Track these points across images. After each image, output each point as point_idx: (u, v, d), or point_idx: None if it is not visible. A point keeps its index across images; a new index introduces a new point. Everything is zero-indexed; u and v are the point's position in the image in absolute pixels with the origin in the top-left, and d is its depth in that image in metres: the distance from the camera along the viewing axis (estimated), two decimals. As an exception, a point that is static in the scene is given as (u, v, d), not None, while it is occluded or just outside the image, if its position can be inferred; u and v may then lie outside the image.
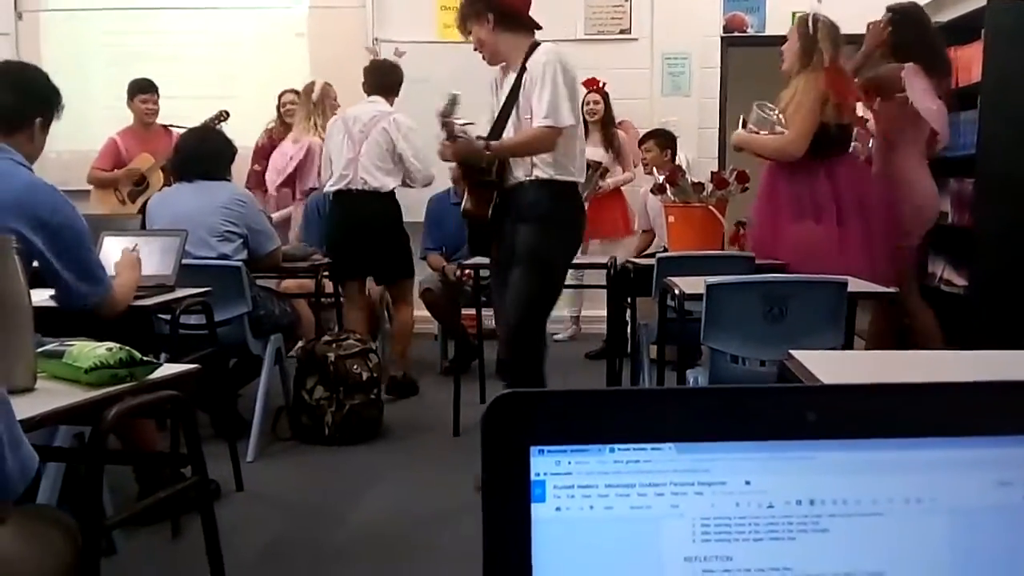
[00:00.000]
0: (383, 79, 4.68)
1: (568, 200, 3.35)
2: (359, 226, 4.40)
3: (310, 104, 5.26)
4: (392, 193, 4.48)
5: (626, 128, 5.81)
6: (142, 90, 5.37)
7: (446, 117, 3.40)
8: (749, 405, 0.48)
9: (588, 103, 5.65)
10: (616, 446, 0.48)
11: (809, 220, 3.78)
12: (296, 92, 5.51)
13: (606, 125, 5.68)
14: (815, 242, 3.65)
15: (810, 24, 3.87)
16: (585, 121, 5.63)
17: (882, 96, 4.15)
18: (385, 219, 4.48)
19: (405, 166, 4.46)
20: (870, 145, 4.40)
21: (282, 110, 5.54)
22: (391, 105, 4.61)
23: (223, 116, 5.28)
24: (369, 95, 4.59)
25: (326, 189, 4.52)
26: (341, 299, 4.54)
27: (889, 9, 4.18)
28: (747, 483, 0.48)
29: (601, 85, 5.73)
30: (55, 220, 2.33)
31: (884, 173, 4.15)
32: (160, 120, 5.49)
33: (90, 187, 5.40)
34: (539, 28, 3.47)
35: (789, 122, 3.79)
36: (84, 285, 2.41)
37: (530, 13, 3.50)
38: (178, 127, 5.15)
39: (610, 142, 5.63)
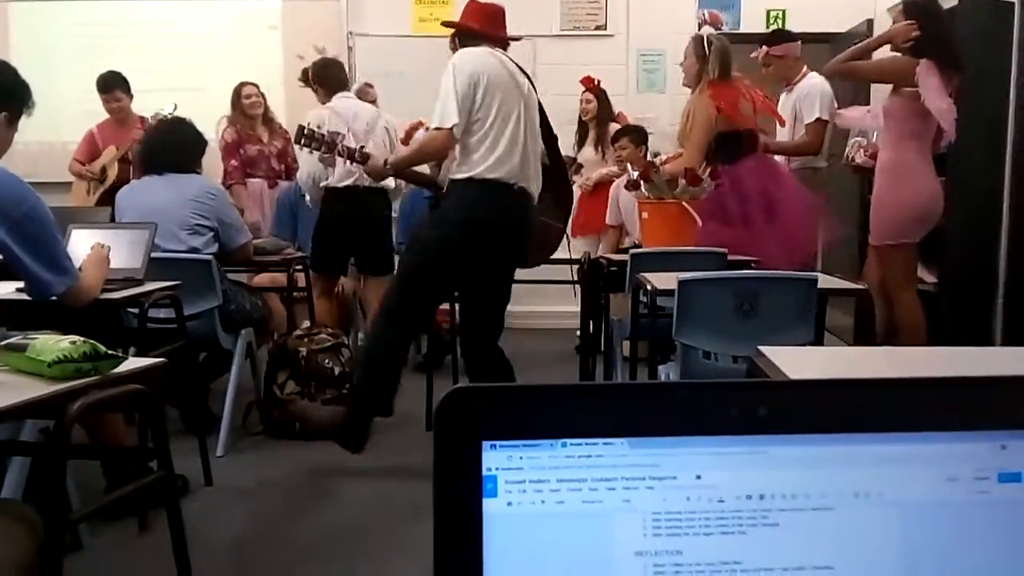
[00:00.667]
0: (342, 75, 4.71)
1: (472, 197, 3.30)
2: (365, 221, 4.42)
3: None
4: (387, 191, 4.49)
5: (622, 120, 5.77)
6: (102, 89, 5.28)
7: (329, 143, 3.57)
8: (700, 400, 0.48)
9: (582, 102, 5.68)
10: (568, 441, 0.48)
11: (715, 223, 3.95)
12: (256, 85, 5.49)
13: (601, 123, 5.63)
14: (725, 244, 3.71)
15: (705, 44, 4.13)
16: (583, 122, 5.65)
17: (894, 87, 4.18)
18: (387, 216, 4.60)
19: None
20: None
21: (245, 103, 5.46)
22: None
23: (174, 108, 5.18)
24: (337, 92, 4.54)
25: (332, 183, 4.41)
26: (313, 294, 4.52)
27: (910, 4, 4.12)
28: (698, 477, 0.48)
29: (597, 83, 5.70)
30: (20, 211, 2.30)
31: (888, 167, 4.17)
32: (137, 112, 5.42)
33: (57, 180, 5.35)
34: (503, 42, 3.44)
35: (689, 138, 4.09)
36: (50, 275, 2.39)
37: (499, 23, 3.51)
38: (154, 116, 5.09)
39: (599, 139, 5.57)
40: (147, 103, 5.39)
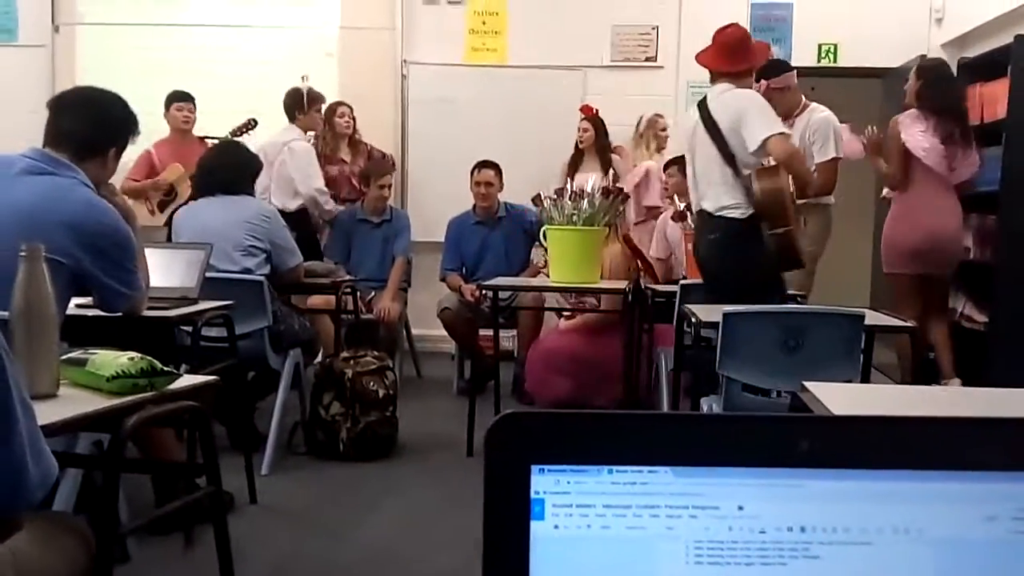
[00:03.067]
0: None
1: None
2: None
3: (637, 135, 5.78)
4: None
5: (620, 152, 5.78)
6: (179, 98, 5.45)
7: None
8: (744, 432, 0.50)
9: (579, 130, 5.70)
10: (614, 467, 0.49)
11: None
12: (349, 106, 5.77)
13: (602, 151, 5.62)
14: None
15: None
16: (579, 148, 5.66)
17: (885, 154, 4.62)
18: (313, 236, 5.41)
19: None
20: None
21: (339, 120, 5.66)
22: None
23: (251, 124, 5.41)
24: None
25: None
26: (361, 316, 4.59)
27: (919, 68, 4.64)
28: (740, 508, 0.49)
29: (595, 112, 5.73)
30: (108, 240, 2.42)
31: (893, 203, 4.70)
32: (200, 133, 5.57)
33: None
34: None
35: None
36: (125, 289, 2.50)
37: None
38: (214, 138, 5.23)
39: (605, 168, 5.40)
40: (207, 126, 5.54)
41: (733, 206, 3.55)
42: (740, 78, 3.65)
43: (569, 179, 4.70)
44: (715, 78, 3.71)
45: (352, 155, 5.72)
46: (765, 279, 3.54)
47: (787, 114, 4.67)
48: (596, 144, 5.63)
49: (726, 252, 3.58)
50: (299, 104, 5.31)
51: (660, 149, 5.74)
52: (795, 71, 4.82)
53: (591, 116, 5.70)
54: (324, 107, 5.51)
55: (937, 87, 4.52)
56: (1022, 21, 4.86)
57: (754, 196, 3.48)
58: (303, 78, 5.46)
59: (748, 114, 3.48)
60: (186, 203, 4.82)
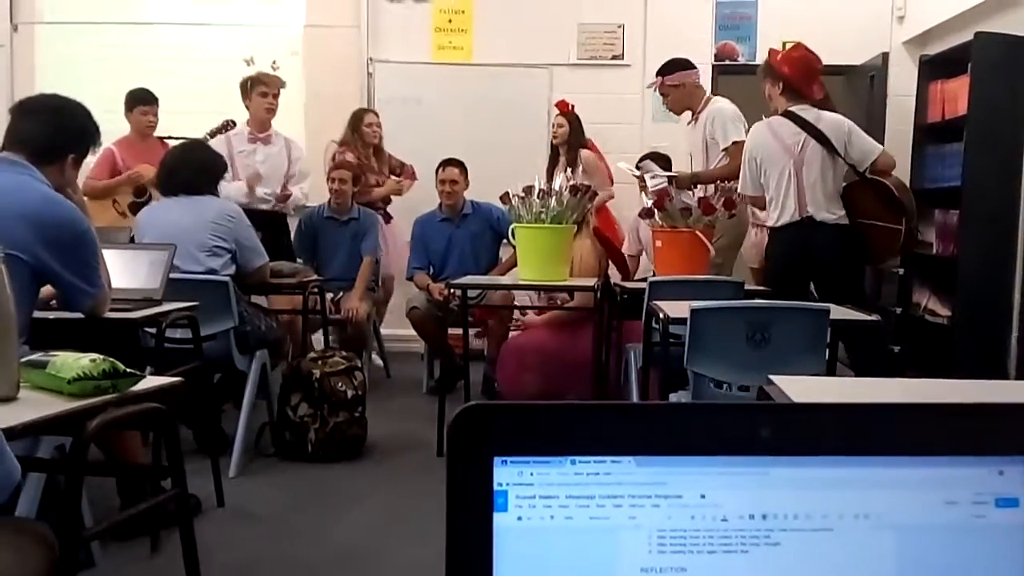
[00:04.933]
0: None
1: None
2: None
3: None
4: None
5: (593, 148, 5.76)
6: (143, 101, 5.28)
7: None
8: (706, 421, 0.50)
9: (553, 126, 5.68)
10: (577, 458, 0.49)
11: None
12: (377, 113, 5.68)
13: (571, 148, 5.57)
14: None
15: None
16: (556, 148, 5.63)
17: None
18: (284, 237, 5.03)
19: None
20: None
21: (366, 130, 5.55)
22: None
23: (229, 125, 5.25)
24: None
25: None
26: (329, 315, 4.56)
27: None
28: (702, 497, 0.49)
29: (571, 107, 5.69)
30: (67, 234, 2.39)
31: None
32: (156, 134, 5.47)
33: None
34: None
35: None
36: (88, 287, 2.47)
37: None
38: (176, 139, 5.12)
39: (573, 164, 5.45)
40: (170, 126, 5.46)
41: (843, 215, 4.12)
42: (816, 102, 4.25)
43: (548, 180, 4.67)
44: (798, 98, 4.20)
45: (377, 164, 5.61)
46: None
47: (690, 108, 4.99)
48: (570, 140, 5.58)
49: (849, 255, 4.14)
50: (244, 90, 5.15)
51: None
52: (696, 70, 5.03)
53: (567, 112, 5.67)
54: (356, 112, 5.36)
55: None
56: (982, 18, 4.94)
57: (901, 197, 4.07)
58: (246, 62, 5.36)
59: (854, 132, 4.15)
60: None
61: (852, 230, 4.11)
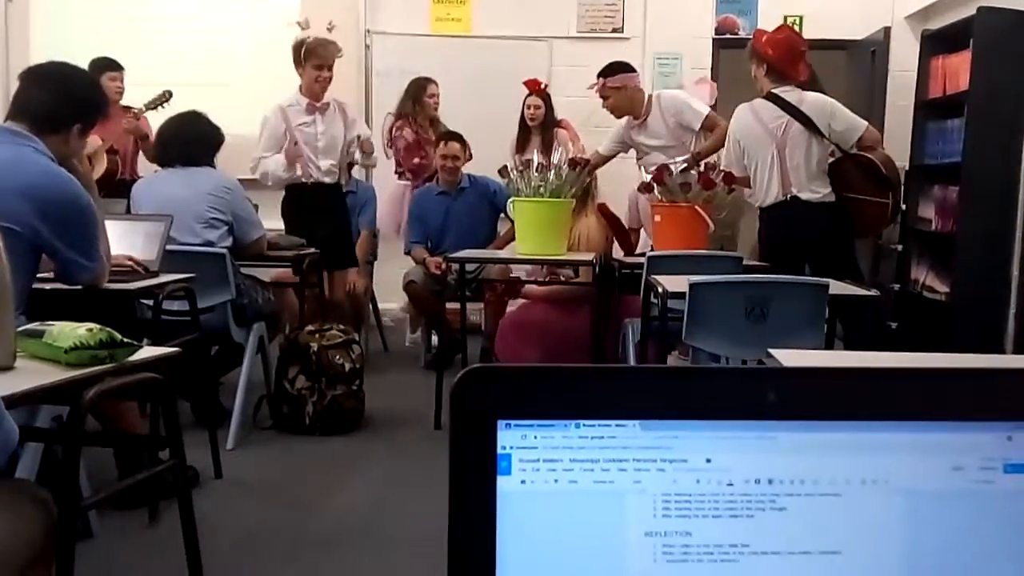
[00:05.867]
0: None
1: None
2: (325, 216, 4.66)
3: None
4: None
5: (566, 126, 5.68)
6: (112, 67, 5.11)
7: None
8: (712, 384, 0.49)
9: (529, 107, 5.51)
10: (582, 422, 0.49)
11: None
12: (437, 83, 5.46)
13: (546, 127, 5.48)
14: None
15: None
16: (527, 126, 5.51)
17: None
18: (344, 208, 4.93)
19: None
20: None
21: (428, 101, 5.42)
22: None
23: (165, 97, 4.97)
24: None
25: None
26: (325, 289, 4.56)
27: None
28: (708, 461, 0.49)
29: (543, 86, 5.58)
30: (66, 208, 2.38)
31: None
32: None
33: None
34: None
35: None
36: (86, 261, 2.47)
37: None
38: (137, 108, 4.99)
39: (547, 145, 5.29)
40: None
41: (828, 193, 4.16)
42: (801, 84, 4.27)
43: (518, 158, 4.61)
44: (782, 79, 4.21)
45: (434, 135, 5.42)
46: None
47: (631, 113, 4.91)
48: (546, 120, 5.49)
49: (838, 231, 4.16)
50: (296, 59, 4.66)
51: None
52: (636, 74, 4.99)
53: (541, 91, 5.54)
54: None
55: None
56: (984, -7, 4.89)
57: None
58: (300, 24, 4.87)
59: (837, 111, 4.19)
60: (104, 178, 4.67)
61: (838, 206, 4.15)
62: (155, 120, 4.56)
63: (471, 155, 5.16)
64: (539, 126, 5.49)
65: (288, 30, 6.39)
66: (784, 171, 4.15)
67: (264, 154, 4.58)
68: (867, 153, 4.16)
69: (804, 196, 4.12)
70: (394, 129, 5.40)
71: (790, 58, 4.25)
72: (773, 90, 4.20)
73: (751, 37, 4.59)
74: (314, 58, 4.57)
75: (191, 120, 3.99)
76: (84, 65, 2.66)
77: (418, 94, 5.45)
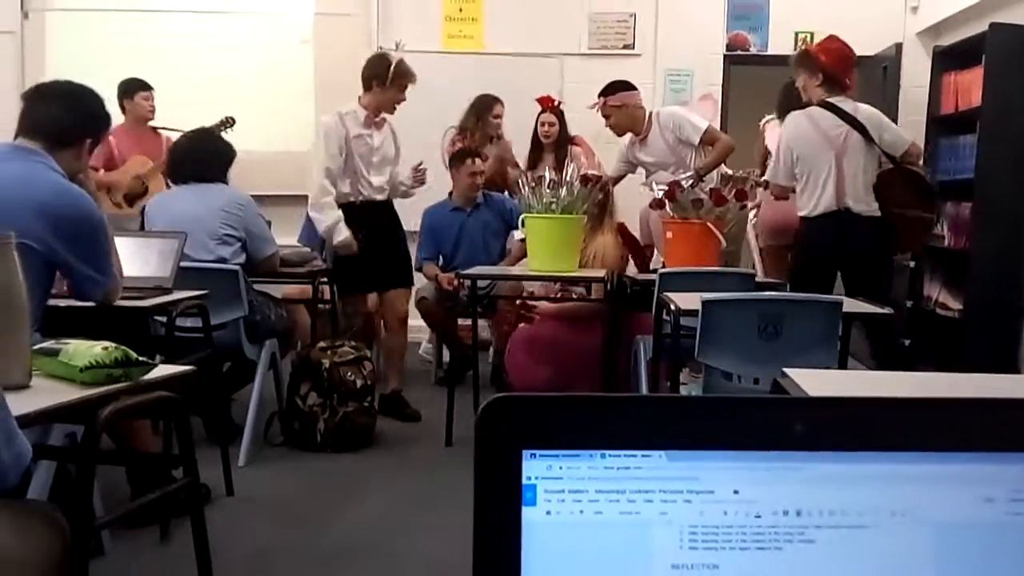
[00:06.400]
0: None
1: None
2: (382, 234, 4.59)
3: None
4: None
5: (580, 143, 5.63)
6: (144, 87, 5.27)
7: None
8: (739, 415, 0.49)
9: (543, 124, 5.46)
10: (607, 452, 0.48)
11: None
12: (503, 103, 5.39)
13: (560, 144, 5.44)
14: None
15: None
16: (540, 143, 5.46)
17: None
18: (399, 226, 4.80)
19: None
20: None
21: (493, 121, 5.37)
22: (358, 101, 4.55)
23: (228, 122, 5.13)
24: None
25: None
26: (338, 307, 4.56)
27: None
28: (735, 492, 0.48)
29: (557, 103, 5.53)
30: (79, 224, 2.41)
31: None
32: (160, 123, 5.44)
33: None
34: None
35: None
36: (99, 276, 2.49)
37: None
38: (169, 129, 5.08)
39: (560, 162, 5.22)
40: (179, 114, 5.43)
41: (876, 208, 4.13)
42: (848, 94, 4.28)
43: (530, 174, 4.56)
44: (835, 88, 4.21)
45: (489, 152, 5.33)
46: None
47: (632, 131, 4.94)
48: (560, 137, 5.45)
49: (883, 247, 4.18)
50: (382, 74, 4.49)
51: None
52: (638, 91, 4.98)
53: (554, 108, 5.50)
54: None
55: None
56: (997, 9, 4.89)
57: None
58: (396, 45, 4.78)
59: (885, 122, 4.24)
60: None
61: (885, 221, 4.13)
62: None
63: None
64: (553, 143, 5.46)
65: (300, 48, 6.47)
66: (840, 181, 4.11)
67: (330, 165, 4.35)
68: (911, 166, 4.17)
69: (856, 209, 4.10)
70: (453, 143, 5.39)
71: (843, 66, 4.27)
72: (828, 99, 4.18)
73: (770, 52, 4.61)
74: (405, 78, 4.52)
75: (203, 137, 4.02)
76: (103, 84, 2.68)
77: (482, 112, 5.40)
